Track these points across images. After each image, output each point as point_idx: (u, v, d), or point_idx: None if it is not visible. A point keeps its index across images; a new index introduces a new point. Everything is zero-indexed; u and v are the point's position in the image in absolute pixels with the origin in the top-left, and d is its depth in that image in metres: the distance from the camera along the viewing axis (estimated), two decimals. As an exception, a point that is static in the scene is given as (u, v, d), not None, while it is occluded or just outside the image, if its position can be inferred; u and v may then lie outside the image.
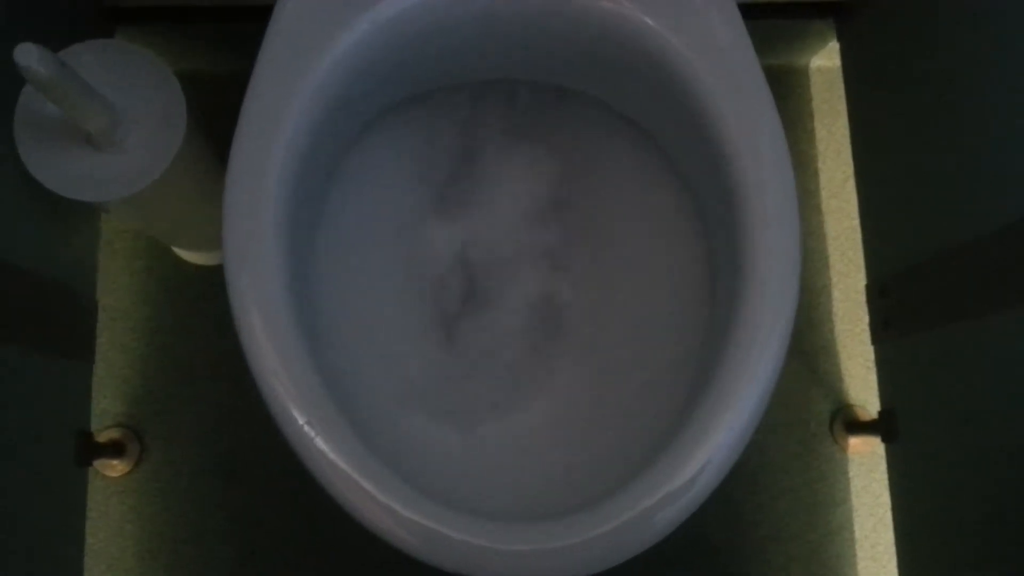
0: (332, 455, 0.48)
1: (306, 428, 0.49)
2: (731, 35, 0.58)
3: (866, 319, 0.92)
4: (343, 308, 0.66)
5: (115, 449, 0.88)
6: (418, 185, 0.72)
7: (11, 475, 0.71)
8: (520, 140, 0.74)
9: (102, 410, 0.89)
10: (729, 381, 0.51)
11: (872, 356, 0.92)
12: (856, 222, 0.95)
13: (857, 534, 0.91)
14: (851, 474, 0.92)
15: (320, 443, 0.49)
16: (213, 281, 0.92)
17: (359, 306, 0.68)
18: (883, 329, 0.86)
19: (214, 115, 0.78)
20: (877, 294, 0.88)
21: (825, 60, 0.99)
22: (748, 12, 0.60)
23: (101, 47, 0.68)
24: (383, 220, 0.71)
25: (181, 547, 0.88)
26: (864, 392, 0.93)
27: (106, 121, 0.64)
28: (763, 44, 0.59)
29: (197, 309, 0.92)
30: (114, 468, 0.88)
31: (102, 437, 0.88)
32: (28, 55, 0.55)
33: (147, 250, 0.93)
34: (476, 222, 0.73)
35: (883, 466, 0.90)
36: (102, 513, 0.88)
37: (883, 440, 0.86)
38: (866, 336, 0.92)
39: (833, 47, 0.96)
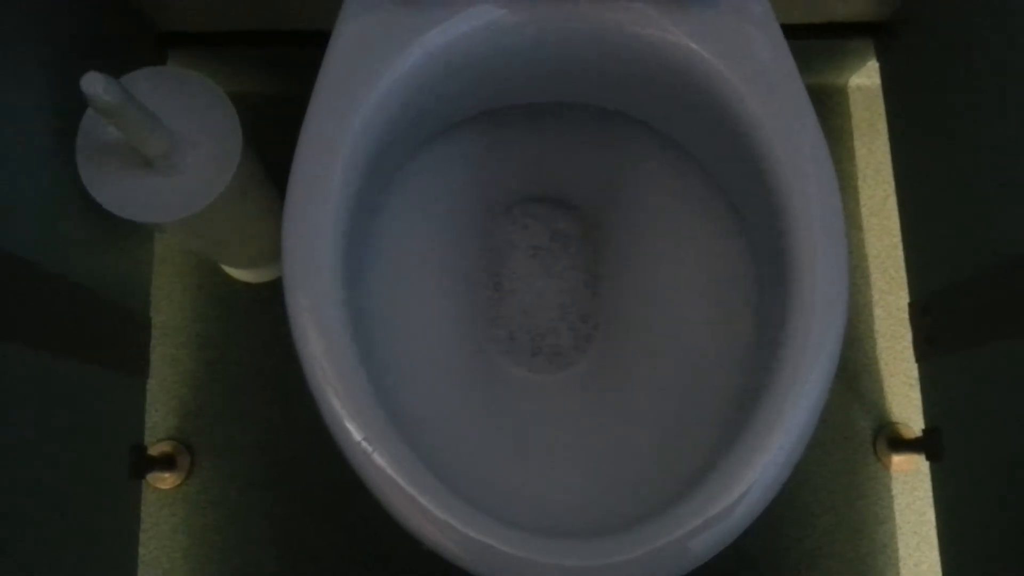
0: (390, 471, 0.49)
1: (364, 444, 0.50)
2: (775, 56, 0.59)
3: (908, 337, 0.91)
4: (395, 319, 0.67)
5: (166, 462, 0.90)
6: (468, 202, 0.73)
7: (70, 488, 0.73)
8: (566, 162, 0.75)
9: (153, 424, 0.92)
10: (778, 402, 0.52)
11: (915, 374, 0.92)
12: (897, 240, 0.95)
13: (901, 552, 0.91)
14: (894, 492, 0.92)
15: (378, 459, 0.50)
16: (261, 298, 0.94)
17: (410, 317, 0.69)
18: (927, 347, 0.86)
19: (265, 135, 0.80)
20: (920, 312, 0.87)
21: (864, 79, 0.99)
22: (787, 32, 0.61)
23: (158, 73, 0.70)
24: (433, 235, 0.72)
25: (230, 557, 0.90)
26: (907, 410, 0.93)
27: (164, 145, 0.66)
28: (802, 64, 0.60)
29: (246, 325, 0.94)
30: (165, 481, 0.90)
31: (154, 450, 0.90)
32: (94, 84, 0.57)
33: (198, 268, 0.95)
34: (523, 235, 0.74)
35: (927, 484, 0.90)
36: (154, 524, 0.90)
37: (928, 458, 0.85)
38: (908, 354, 0.92)
39: (872, 66, 0.96)
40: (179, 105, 0.69)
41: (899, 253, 0.95)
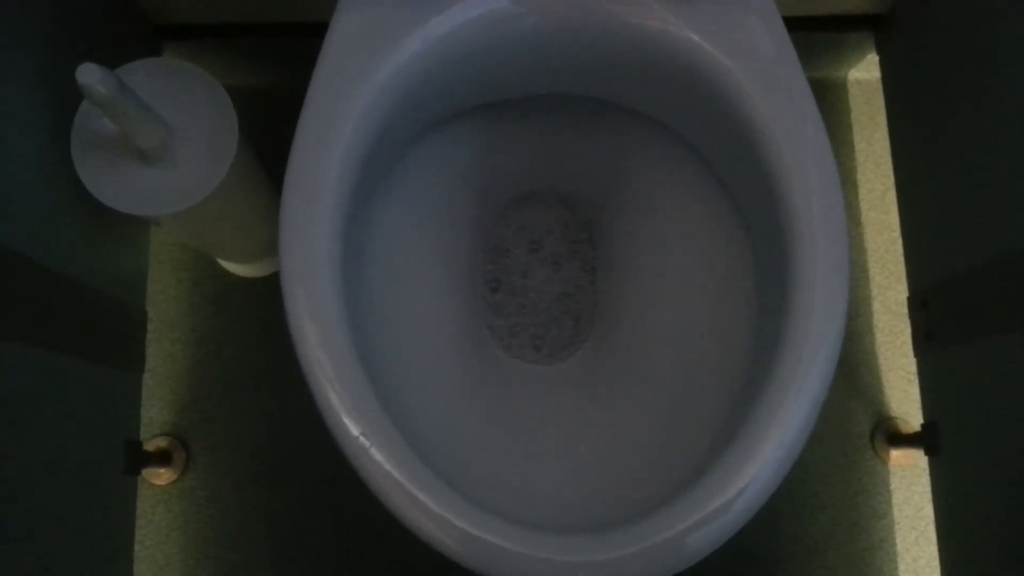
0: (387, 466, 0.49)
1: (361, 439, 0.50)
2: (777, 48, 0.58)
3: (907, 331, 0.91)
4: (393, 314, 0.67)
5: (162, 458, 0.89)
6: (467, 196, 0.72)
7: (65, 483, 0.72)
8: (565, 156, 0.74)
9: (149, 419, 0.91)
10: (778, 397, 0.51)
11: (913, 368, 0.91)
12: (896, 234, 0.95)
13: (899, 547, 0.90)
14: (892, 487, 0.91)
15: (375, 454, 0.49)
16: (257, 292, 0.94)
17: (408, 311, 0.68)
18: (926, 341, 0.86)
19: (262, 128, 0.79)
20: (919, 306, 0.87)
21: (863, 72, 0.99)
22: (787, 25, 0.60)
23: (154, 65, 0.70)
24: (432, 229, 0.71)
25: (225, 554, 0.89)
26: (905, 404, 0.93)
27: (160, 137, 0.65)
28: (802, 57, 0.59)
29: (241, 320, 0.93)
30: (161, 476, 0.90)
31: (149, 446, 0.90)
32: (90, 74, 0.57)
33: (193, 262, 0.94)
34: (520, 228, 0.74)
35: (925, 479, 0.90)
36: (149, 520, 0.90)
37: (926, 453, 0.85)
38: (907, 348, 0.92)
39: (871, 59, 0.96)
40: (175, 97, 0.69)
41: (898, 247, 0.94)
